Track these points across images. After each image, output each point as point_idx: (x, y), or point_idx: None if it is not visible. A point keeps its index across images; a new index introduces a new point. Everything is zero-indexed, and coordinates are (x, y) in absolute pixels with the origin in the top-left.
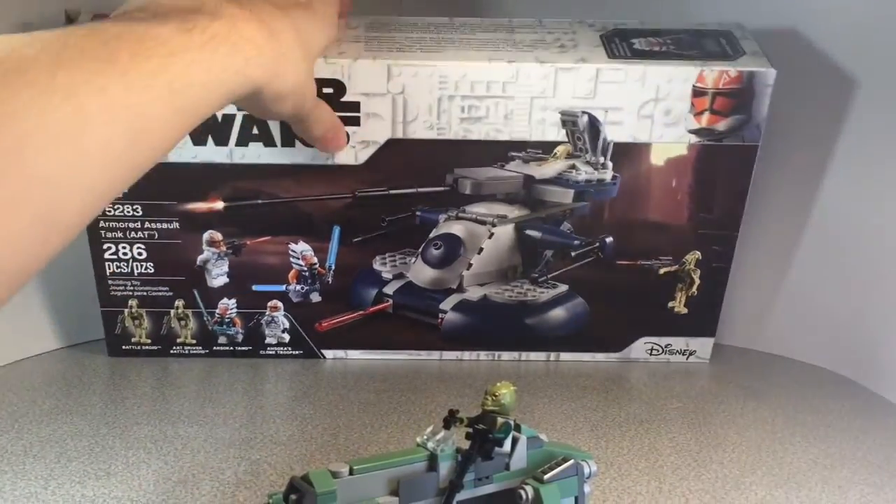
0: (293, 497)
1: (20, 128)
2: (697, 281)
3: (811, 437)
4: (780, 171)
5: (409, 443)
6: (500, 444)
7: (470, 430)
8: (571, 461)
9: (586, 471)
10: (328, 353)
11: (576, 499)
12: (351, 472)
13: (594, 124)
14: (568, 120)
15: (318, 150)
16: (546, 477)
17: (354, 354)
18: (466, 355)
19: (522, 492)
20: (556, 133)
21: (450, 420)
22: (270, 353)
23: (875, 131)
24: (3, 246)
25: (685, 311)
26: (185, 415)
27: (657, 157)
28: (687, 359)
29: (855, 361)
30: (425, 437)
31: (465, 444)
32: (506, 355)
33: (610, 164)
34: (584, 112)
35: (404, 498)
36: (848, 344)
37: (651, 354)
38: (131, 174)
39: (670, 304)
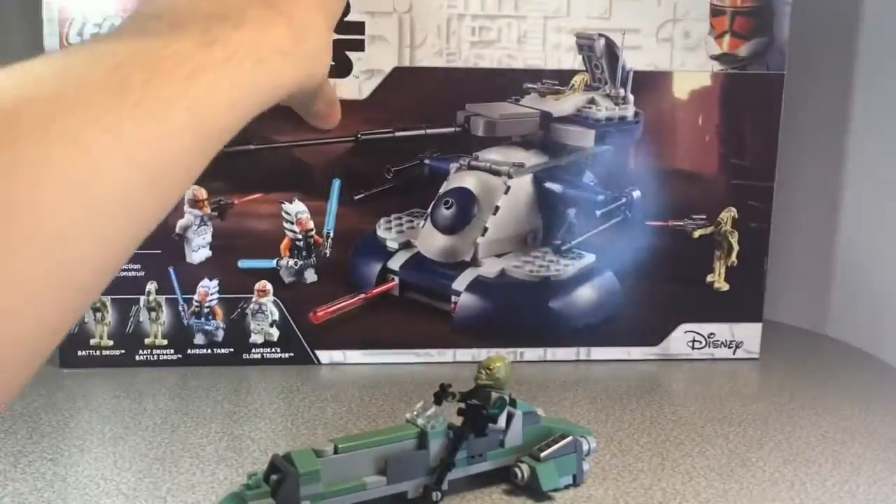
0: (274, 477)
1: (19, 182)
2: (736, 247)
3: (820, 410)
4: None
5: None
6: (495, 420)
7: (462, 405)
8: (570, 437)
9: (585, 447)
10: (323, 357)
11: (574, 477)
12: (336, 451)
13: (612, 49)
14: (584, 44)
15: (312, 124)
16: (543, 454)
17: (354, 357)
18: (483, 355)
19: (518, 470)
20: (572, 60)
21: (441, 395)
22: (256, 356)
23: None
24: (13, 319)
25: (726, 286)
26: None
27: (680, 90)
28: (734, 353)
29: (863, 329)
30: (415, 412)
31: (458, 421)
32: (529, 354)
33: (631, 98)
34: (600, 35)
35: (392, 477)
36: (854, 311)
37: (693, 348)
38: (154, 217)
39: (709, 279)
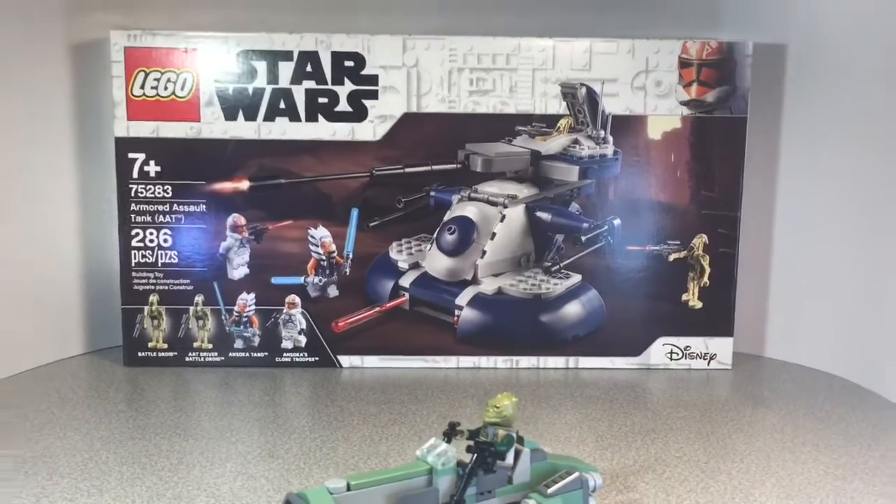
0: None
1: None
2: (708, 269)
3: (822, 446)
4: (772, 163)
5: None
6: (503, 458)
7: (471, 442)
8: (576, 474)
9: (591, 484)
10: (344, 361)
11: None
12: (348, 489)
13: (592, 96)
14: (568, 92)
15: None
16: (550, 490)
17: (371, 361)
18: (484, 362)
19: None
20: (558, 106)
21: (450, 433)
22: (286, 360)
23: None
24: None
25: (700, 304)
26: (184, 428)
27: (654, 131)
28: (708, 364)
29: (864, 367)
30: (425, 450)
31: (467, 458)
32: (524, 361)
33: (610, 139)
34: (582, 84)
35: None
36: (857, 349)
37: (671, 359)
38: None
39: (684, 297)
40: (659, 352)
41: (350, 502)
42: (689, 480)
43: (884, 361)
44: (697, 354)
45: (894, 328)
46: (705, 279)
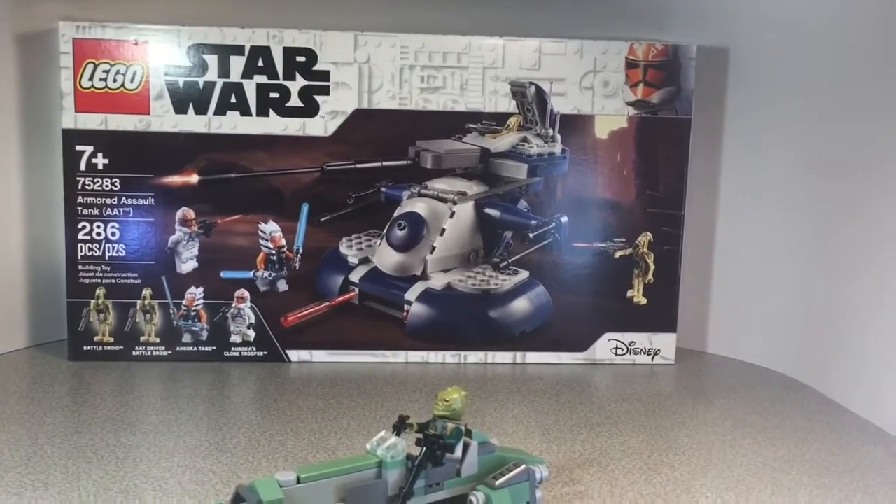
0: None
1: None
2: (652, 266)
3: (760, 440)
4: (715, 164)
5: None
6: (452, 450)
7: (420, 436)
8: (523, 466)
9: (538, 476)
10: (293, 355)
11: None
12: (298, 481)
13: (541, 95)
14: (517, 90)
15: None
16: (497, 483)
17: (320, 356)
18: (432, 356)
19: (474, 498)
20: (507, 104)
21: (400, 426)
22: (235, 354)
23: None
24: None
25: (644, 301)
26: (130, 422)
27: (601, 130)
28: (652, 359)
29: (802, 362)
30: (375, 443)
31: (416, 451)
32: (472, 356)
33: (559, 137)
34: (531, 83)
35: None
36: (795, 345)
37: (616, 354)
38: None
39: (629, 294)
40: (604, 347)
41: (300, 495)
42: (632, 473)
43: (821, 358)
44: (642, 350)
45: (832, 325)
46: (650, 276)
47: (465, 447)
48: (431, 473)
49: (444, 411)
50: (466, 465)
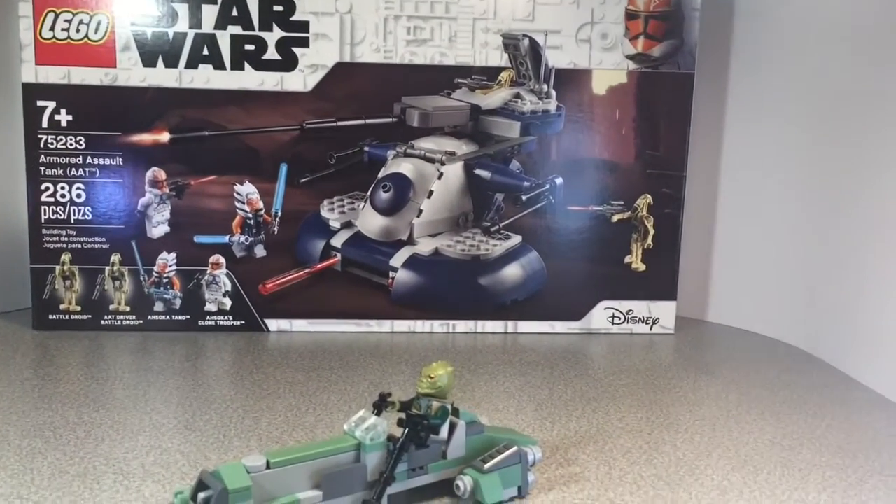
0: (202, 496)
1: None
2: (652, 230)
3: (767, 415)
4: (719, 123)
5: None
6: (437, 431)
7: (403, 415)
8: (514, 448)
9: (530, 458)
10: (272, 325)
11: (519, 489)
12: (268, 466)
13: (535, 48)
14: (510, 43)
15: None
16: (486, 466)
17: (300, 325)
18: (419, 326)
19: (461, 482)
20: (499, 58)
21: (380, 405)
22: (210, 323)
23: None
24: None
25: (643, 267)
26: (94, 397)
27: (598, 86)
28: (651, 328)
29: (809, 332)
30: (353, 423)
31: (398, 432)
32: (461, 326)
33: (553, 93)
34: (524, 35)
35: (328, 493)
36: (802, 314)
37: (613, 323)
38: None
39: (627, 260)
40: (600, 316)
41: (269, 481)
42: (632, 452)
43: (830, 327)
44: (640, 319)
45: (843, 292)
46: (649, 241)
47: (452, 427)
48: (415, 456)
49: (428, 389)
50: (453, 447)
